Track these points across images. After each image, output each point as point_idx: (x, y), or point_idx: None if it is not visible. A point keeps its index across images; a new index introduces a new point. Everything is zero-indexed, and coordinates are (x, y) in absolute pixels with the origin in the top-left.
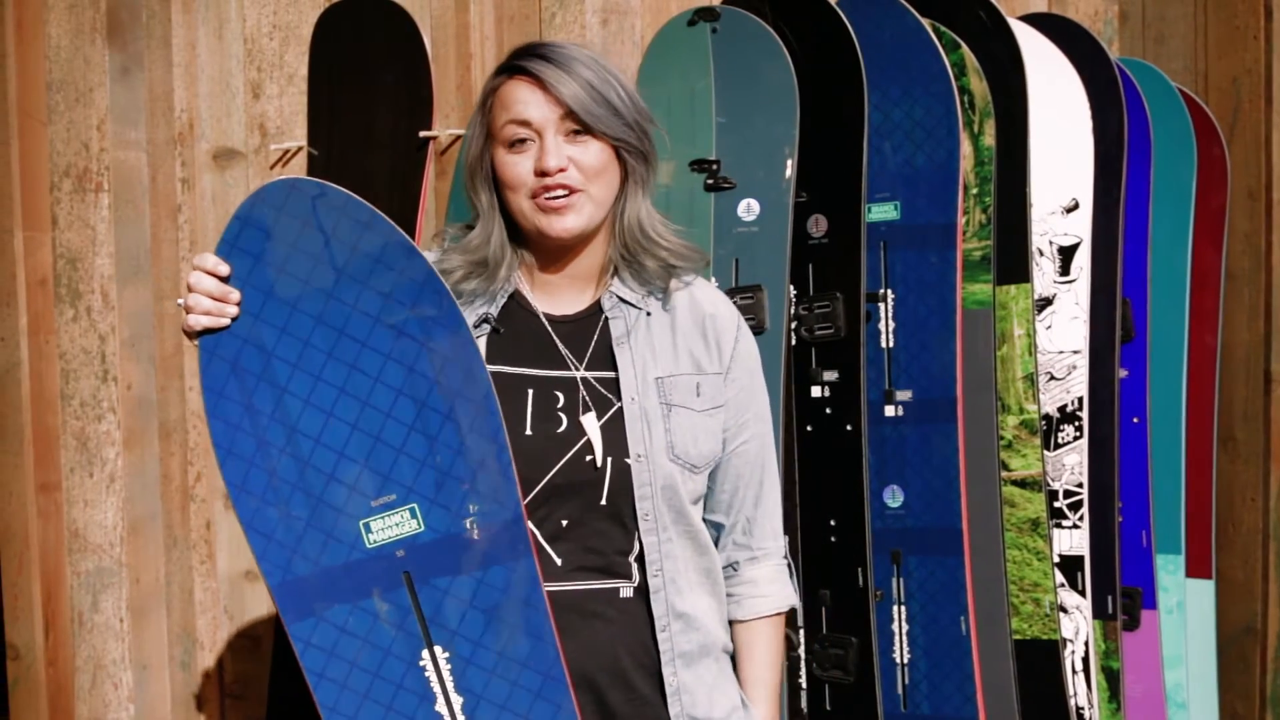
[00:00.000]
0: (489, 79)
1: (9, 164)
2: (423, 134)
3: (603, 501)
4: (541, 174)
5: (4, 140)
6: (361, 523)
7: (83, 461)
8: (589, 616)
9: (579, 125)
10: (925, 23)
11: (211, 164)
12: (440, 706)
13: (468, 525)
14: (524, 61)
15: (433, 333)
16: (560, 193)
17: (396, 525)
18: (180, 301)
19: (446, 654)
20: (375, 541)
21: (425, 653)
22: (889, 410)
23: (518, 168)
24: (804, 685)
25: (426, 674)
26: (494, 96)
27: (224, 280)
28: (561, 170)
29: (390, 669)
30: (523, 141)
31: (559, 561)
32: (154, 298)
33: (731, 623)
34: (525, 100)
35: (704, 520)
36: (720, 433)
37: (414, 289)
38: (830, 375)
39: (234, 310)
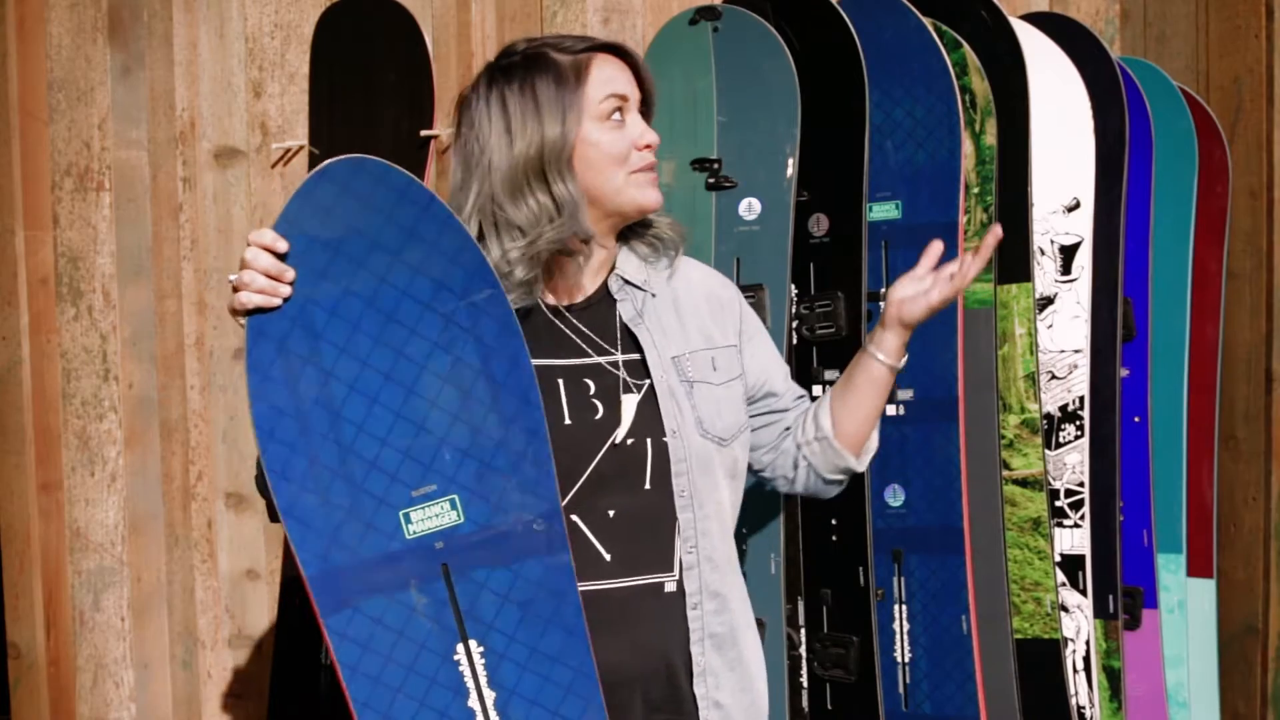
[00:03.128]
0: (565, 60)
1: (10, 163)
2: (424, 133)
3: (647, 485)
4: (645, 147)
5: (5, 139)
6: (401, 513)
7: (84, 460)
8: (636, 615)
9: (646, 110)
10: (927, 22)
11: (213, 163)
12: (473, 702)
13: (513, 520)
14: (604, 42)
15: (481, 322)
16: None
17: (436, 516)
18: (232, 277)
19: (481, 648)
20: (415, 532)
21: (460, 646)
22: (890, 409)
23: (623, 142)
24: (805, 684)
25: (460, 668)
26: (587, 73)
27: (280, 258)
28: (658, 142)
29: (424, 663)
30: (620, 114)
31: (607, 557)
32: (155, 297)
33: (823, 411)
34: (620, 77)
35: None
36: (742, 401)
37: (465, 277)
38: (832, 374)
39: (287, 290)
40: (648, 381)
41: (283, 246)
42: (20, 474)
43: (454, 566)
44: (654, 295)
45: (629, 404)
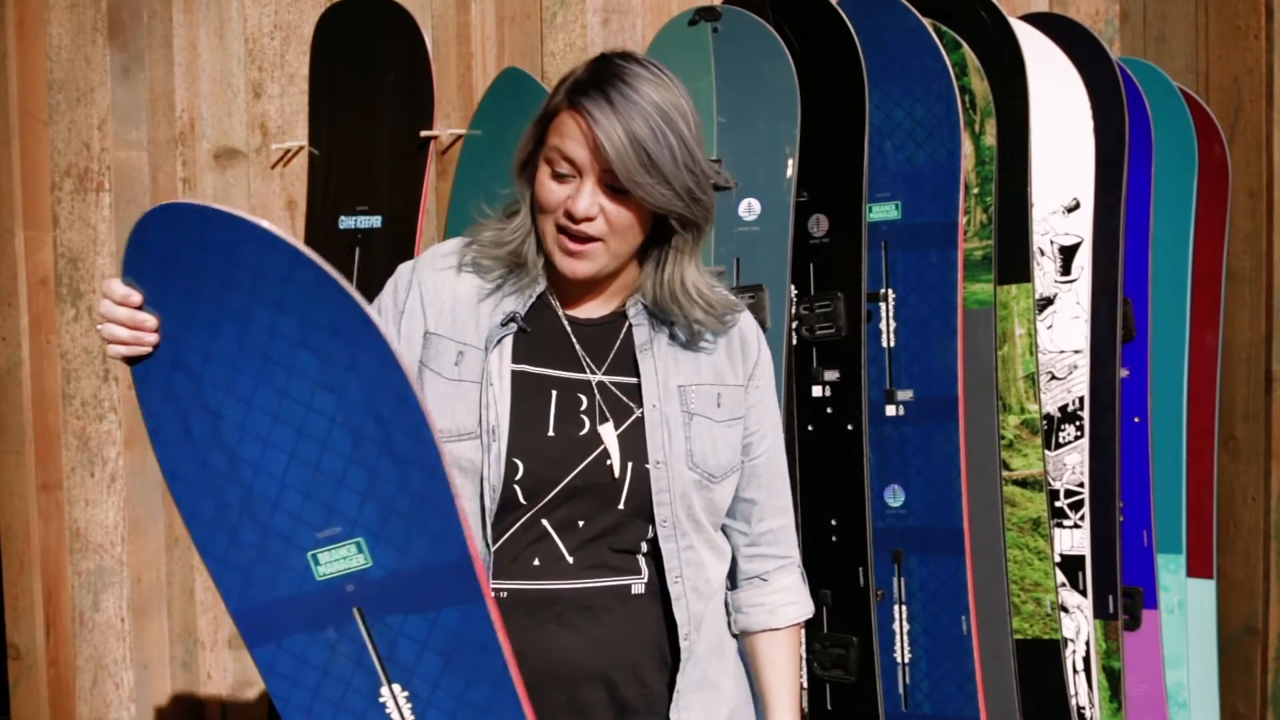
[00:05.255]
0: (561, 89)
1: (10, 164)
2: (424, 133)
3: (621, 505)
4: (566, 214)
5: (5, 140)
6: (309, 554)
7: (84, 461)
8: (601, 613)
9: (621, 185)
10: (926, 22)
11: (213, 164)
12: None
13: (420, 567)
14: (586, 97)
15: (358, 358)
16: (580, 238)
17: (344, 559)
18: (99, 328)
19: (406, 693)
20: (324, 574)
21: (384, 690)
22: (890, 410)
23: (553, 195)
24: (805, 685)
25: (388, 710)
26: (554, 120)
27: (138, 308)
28: (589, 220)
29: (352, 702)
30: (564, 174)
31: (571, 560)
32: None
33: (760, 632)
34: (577, 139)
35: (725, 528)
36: (739, 444)
37: (330, 311)
38: (831, 375)
39: (152, 338)
40: (639, 410)
41: (136, 299)
42: (20, 474)
43: (367, 610)
44: (671, 323)
45: (606, 432)
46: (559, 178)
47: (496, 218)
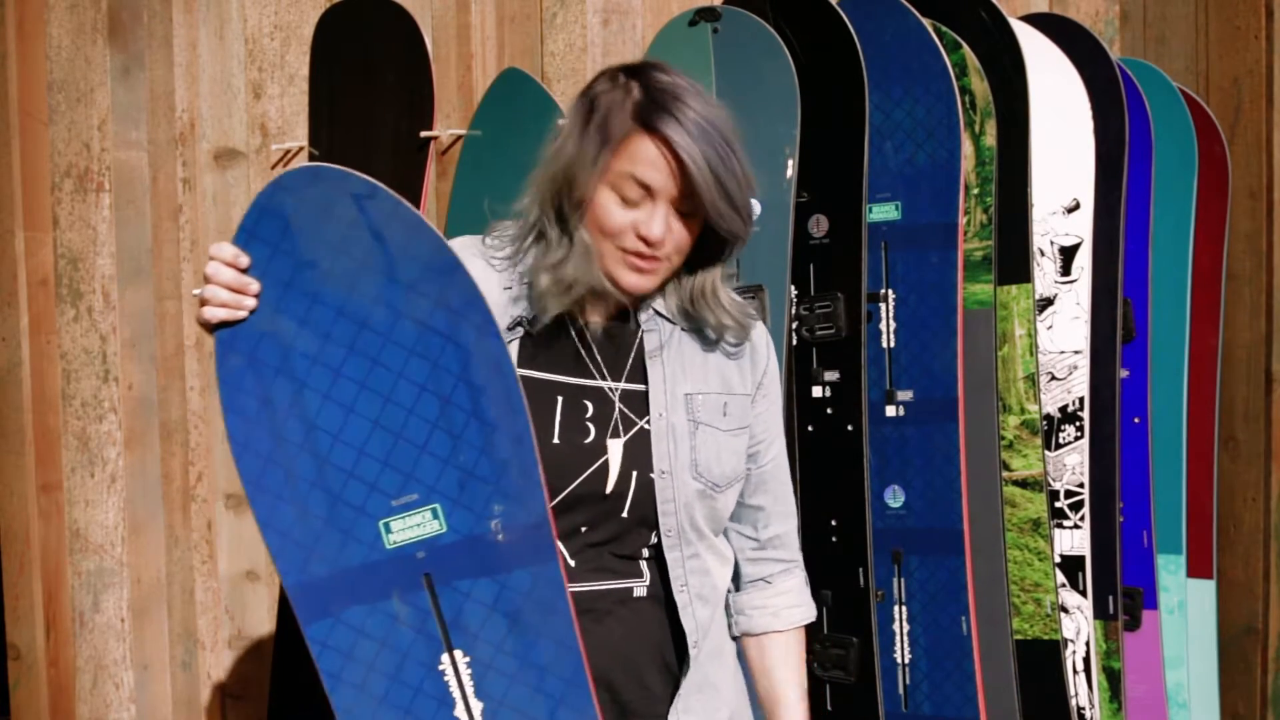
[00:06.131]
0: (622, 113)
1: (10, 164)
2: (424, 134)
3: (624, 514)
4: (640, 238)
5: (5, 140)
6: (381, 523)
7: (84, 461)
8: (603, 616)
9: (692, 209)
10: (926, 22)
11: (213, 164)
12: (460, 711)
13: (492, 527)
14: (664, 124)
15: (459, 327)
16: (650, 258)
17: (418, 526)
18: (196, 292)
19: (467, 658)
20: (395, 542)
21: (445, 656)
22: (890, 410)
23: (622, 219)
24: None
25: (446, 678)
26: (625, 143)
27: (243, 271)
28: (661, 242)
29: (409, 672)
30: (634, 199)
31: (573, 563)
32: (155, 298)
33: (762, 634)
34: (656, 165)
35: (731, 533)
36: (744, 452)
37: (440, 282)
38: (831, 375)
39: (252, 302)
40: (645, 418)
41: (244, 261)
42: (20, 475)
43: (437, 576)
44: (683, 329)
45: (612, 440)
46: (628, 203)
47: (513, 238)
